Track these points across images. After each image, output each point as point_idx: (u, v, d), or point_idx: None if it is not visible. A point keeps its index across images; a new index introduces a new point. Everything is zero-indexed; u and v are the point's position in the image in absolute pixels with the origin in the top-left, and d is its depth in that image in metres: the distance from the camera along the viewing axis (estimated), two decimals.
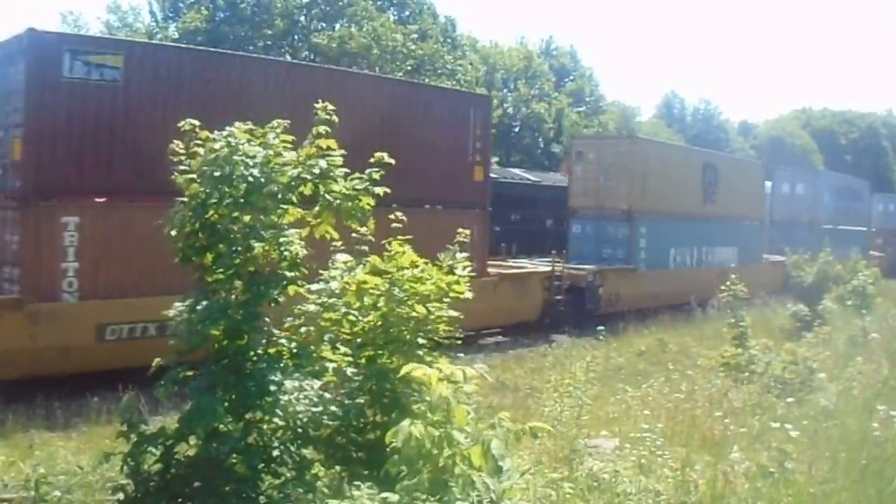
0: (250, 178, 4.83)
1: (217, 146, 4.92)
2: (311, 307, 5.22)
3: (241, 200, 4.88)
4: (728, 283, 13.43)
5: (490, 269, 16.91)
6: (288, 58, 36.78)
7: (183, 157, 5.06)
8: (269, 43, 37.39)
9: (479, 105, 17.69)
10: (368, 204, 5.18)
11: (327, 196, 5.08)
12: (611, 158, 21.08)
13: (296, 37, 38.79)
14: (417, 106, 15.73)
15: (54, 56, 10.97)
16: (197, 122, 5.14)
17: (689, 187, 23.05)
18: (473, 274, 5.29)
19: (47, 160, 10.93)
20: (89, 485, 5.89)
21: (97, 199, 11.27)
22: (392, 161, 5.24)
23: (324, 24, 39.73)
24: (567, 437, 7.39)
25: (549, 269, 18.50)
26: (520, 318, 17.52)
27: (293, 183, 5.00)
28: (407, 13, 42.28)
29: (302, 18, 39.35)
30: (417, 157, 14.27)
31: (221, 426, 4.66)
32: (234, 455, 4.62)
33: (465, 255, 5.50)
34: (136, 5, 49.52)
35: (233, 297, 4.91)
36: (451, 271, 5.33)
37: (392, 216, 5.40)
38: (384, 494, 3.54)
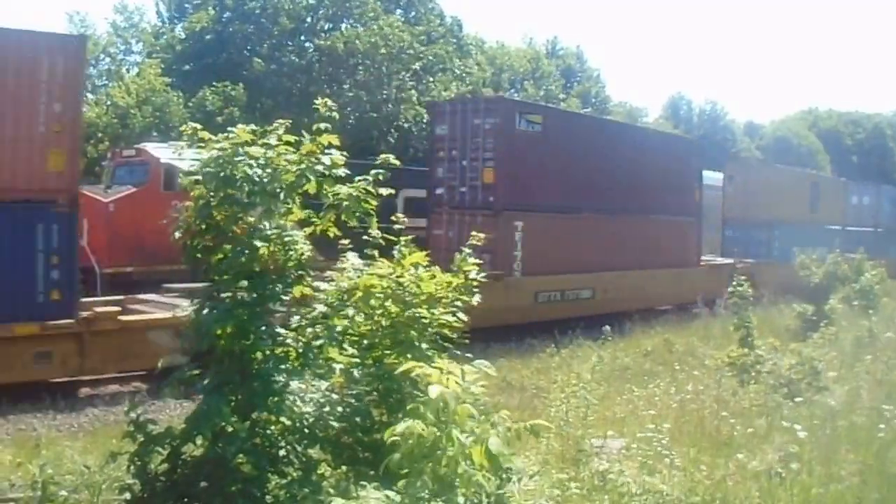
0: (254, 179, 4.84)
1: (219, 147, 4.93)
2: (321, 307, 5.22)
3: (245, 200, 4.88)
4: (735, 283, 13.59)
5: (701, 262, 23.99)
6: (294, 58, 36.81)
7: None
8: (275, 42, 37.36)
9: (696, 148, 25.90)
10: (370, 205, 5.17)
11: (330, 196, 5.08)
12: (755, 180, 27.68)
13: (302, 37, 38.76)
14: (666, 147, 23.11)
15: (511, 115, 16.99)
16: (199, 126, 5.13)
17: (803, 200, 29.59)
18: (483, 277, 5.39)
19: (508, 185, 16.81)
20: (96, 485, 5.89)
21: (530, 213, 17.10)
22: (398, 162, 5.37)
23: (330, 25, 39.70)
24: (573, 437, 7.38)
25: (732, 261, 25.04)
26: (716, 295, 22.61)
27: (296, 181, 4.99)
28: (413, 14, 42.21)
29: (309, 19, 39.30)
30: (662, 182, 21.13)
31: (228, 426, 4.67)
32: (241, 455, 4.61)
33: (475, 261, 5.49)
34: (143, 5, 49.67)
35: (239, 297, 4.92)
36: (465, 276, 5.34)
37: (395, 216, 5.47)
38: (386, 492, 3.53)
